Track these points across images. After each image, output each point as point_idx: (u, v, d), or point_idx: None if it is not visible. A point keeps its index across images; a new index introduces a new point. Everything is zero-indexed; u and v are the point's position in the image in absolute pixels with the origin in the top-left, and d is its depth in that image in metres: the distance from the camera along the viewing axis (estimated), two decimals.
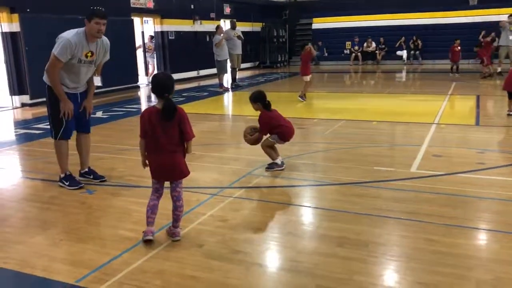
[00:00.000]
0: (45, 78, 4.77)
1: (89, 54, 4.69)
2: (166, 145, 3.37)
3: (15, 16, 10.65)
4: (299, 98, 10.48)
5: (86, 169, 5.16)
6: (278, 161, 5.24)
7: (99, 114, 9.70)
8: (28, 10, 10.79)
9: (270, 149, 5.28)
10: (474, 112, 8.61)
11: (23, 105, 11.02)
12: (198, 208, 4.16)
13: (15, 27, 10.70)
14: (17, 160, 6.37)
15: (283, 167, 5.22)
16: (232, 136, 7.56)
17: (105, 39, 4.84)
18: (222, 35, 13.23)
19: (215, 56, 13.40)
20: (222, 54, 13.27)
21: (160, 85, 3.37)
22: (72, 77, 4.73)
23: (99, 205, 4.36)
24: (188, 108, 9.97)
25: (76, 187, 4.82)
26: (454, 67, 15.61)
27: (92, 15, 4.56)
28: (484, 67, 14.54)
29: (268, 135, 5.26)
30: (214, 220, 3.90)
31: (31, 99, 10.98)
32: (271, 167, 5.24)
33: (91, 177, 5.10)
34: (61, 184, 4.91)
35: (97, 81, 5.07)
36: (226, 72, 13.72)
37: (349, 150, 6.14)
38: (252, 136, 5.30)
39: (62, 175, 4.94)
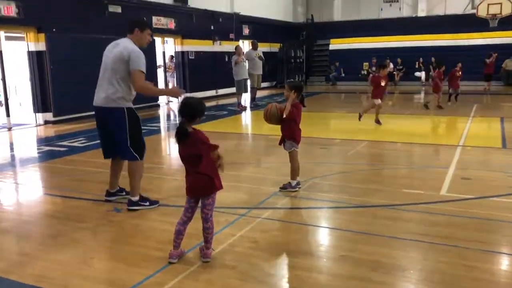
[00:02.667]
0: (120, 103, 4.53)
1: None
2: (187, 167, 3.41)
3: (42, 35, 10.87)
4: (376, 123, 9.72)
5: (117, 188, 5.09)
6: (294, 182, 5.17)
7: None
8: (54, 30, 11.02)
9: (297, 162, 5.18)
10: (499, 135, 8.47)
11: (46, 122, 11.16)
12: (228, 229, 4.11)
13: (41, 46, 10.92)
14: (43, 177, 6.41)
15: (297, 189, 5.14)
16: (253, 155, 7.53)
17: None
18: (240, 54, 13.32)
19: (234, 75, 13.49)
20: (240, 73, 13.34)
21: (181, 109, 3.38)
22: (133, 91, 4.61)
23: (128, 224, 4.34)
24: (208, 127, 10.12)
25: (157, 205, 4.77)
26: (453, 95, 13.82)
27: (146, 27, 4.64)
28: None
29: (288, 143, 5.14)
30: (244, 241, 3.84)
31: (54, 116, 11.13)
32: (284, 187, 5.18)
33: (124, 193, 5.06)
34: (137, 208, 4.70)
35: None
36: (244, 91, 13.77)
37: (375, 171, 6.07)
38: (281, 108, 5.00)
39: (136, 198, 4.73)
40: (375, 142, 7.97)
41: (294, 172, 5.19)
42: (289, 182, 5.19)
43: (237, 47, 13.57)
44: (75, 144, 8.48)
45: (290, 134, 5.13)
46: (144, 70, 4.46)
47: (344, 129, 9.67)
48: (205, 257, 3.47)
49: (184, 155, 3.41)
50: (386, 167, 6.27)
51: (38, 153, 7.96)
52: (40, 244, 3.90)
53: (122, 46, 4.49)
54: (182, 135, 3.32)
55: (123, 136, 4.57)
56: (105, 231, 4.17)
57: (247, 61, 13.60)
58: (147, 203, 4.76)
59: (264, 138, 8.98)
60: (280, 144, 5.25)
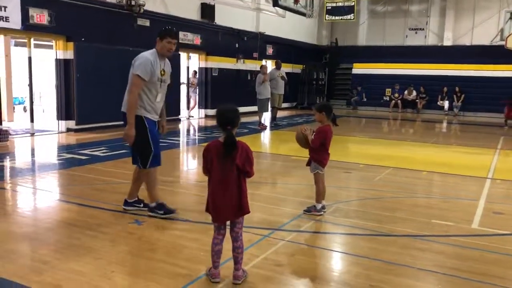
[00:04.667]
0: (123, 107, 4.66)
1: (163, 73, 4.71)
2: (223, 181, 3.24)
3: (70, 44, 11.02)
4: None
5: (136, 198, 5.06)
6: (319, 205, 5.03)
7: None
8: (82, 39, 11.17)
9: (322, 185, 5.06)
10: None
11: (69, 130, 11.23)
12: (251, 249, 3.98)
13: (69, 54, 11.06)
14: (64, 185, 6.38)
15: (322, 213, 5.00)
16: (274, 175, 7.40)
17: (167, 61, 4.85)
18: (265, 74, 13.33)
19: (257, 94, 13.47)
20: (263, 93, 13.33)
21: (224, 117, 3.27)
22: (152, 100, 4.66)
23: (148, 237, 4.25)
24: None
25: (172, 213, 4.77)
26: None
27: (165, 34, 4.62)
28: None
29: (313, 165, 5.04)
30: (269, 264, 3.72)
31: (76, 124, 11.20)
32: (308, 210, 5.05)
33: (141, 205, 5.03)
34: (152, 214, 4.78)
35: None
36: (266, 111, 13.73)
37: (402, 199, 5.90)
38: (306, 135, 4.89)
39: (153, 205, 4.80)
40: (400, 170, 7.79)
41: (319, 195, 5.06)
42: (314, 205, 5.06)
43: (263, 66, 13.59)
44: (97, 153, 8.48)
45: (317, 157, 5.02)
46: (143, 76, 4.49)
47: (367, 154, 9.50)
48: (235, 279, 3.33)
49: (224, 170, 3.24)
50: (413, 196, 6.10)
51: (60, 160, 7.96)
52: (60, 252, 3.83)
53: (138, 55, 4.62)
54: (233, 146, 3.18)
55: (135, 141, 4.62)
56: (125, 243, 4.09)
57: (269, 80, 13.57)
58: (162, 212, 4.76)
59: (285, 158, 8.88)
60: (307, 165, 5.14)
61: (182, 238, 4.28)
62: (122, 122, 4.73)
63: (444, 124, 17.48)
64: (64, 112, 11.26)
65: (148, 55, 4.61)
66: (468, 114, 19.92)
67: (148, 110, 4.66)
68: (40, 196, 5.76)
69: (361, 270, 3.67)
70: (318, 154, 5.00)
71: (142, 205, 5.02)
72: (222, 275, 3.36)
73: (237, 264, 3.35)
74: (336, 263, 3.82)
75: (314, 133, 4.98)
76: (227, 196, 3.24)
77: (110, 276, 3.40)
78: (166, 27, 4.77)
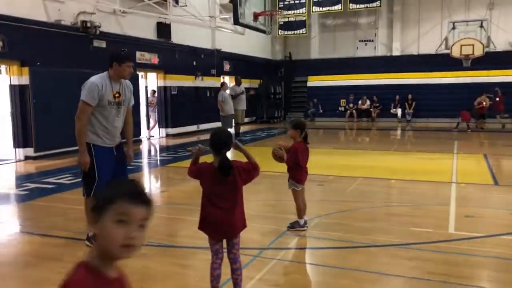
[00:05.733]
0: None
1: (117, 95, 4.62)
2: (222, 204, 3.23)
3: (25, 69, 10.63)
4: None
5: None
6: (301, 221, 5.08)
7: None
8: (38, 63, 10.81)
9: (301, 201, 5.11)
10: (487, 171, 8.66)
11: (27, 157, 10.78)
12: (244, 271, 3.88)
13: (24, 80, 10.66)
14: (35, 217, 6.08)
15: (305, 228, 5.05)
16: (250, 192, 7.39)
17: (127, 81, 4.81)
18: (228, 90, 13.38)
19: (220, 111, 13.48)
20: (226, 109, 13.34)
21: (221, 141, 3.26)
22: (105, 124, 4.58)
23: (134, 267, 4.10)
24: None
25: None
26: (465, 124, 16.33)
27: (124, 59, 4.60)
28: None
29: (290, 182, 5.09)
30: (266, 285, 3.72)
31: (35, 152, 10.76)
32: (292, 226, 5.08)
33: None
34: (88, 243, 4.71)
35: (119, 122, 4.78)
36: (230, 127, 13.74)
37: (378, 209, 6.05)
38: (279, 153, 4.84)
39: (91, 234, 4.68)
40: (369, 179, 7.99)
41: (300, 211, 5.11)
42: (297, 221, 5.10)
43: (223, 84, 13.65)
44: (62, 181, 8.19)
45: (293, 174, 5.08)
46: (89, 101, 4.45)
47: (334, 165, 9.69)
48: None
49: (222, 191, 3.23)
50: (388, 205, 6.28)
51: (24, 190, 7.61)
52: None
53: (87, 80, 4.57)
54: (229, 168, 3.19)
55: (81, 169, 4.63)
56: None
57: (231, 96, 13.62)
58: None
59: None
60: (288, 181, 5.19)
61: (169, 264, 4.21)
62: None
63: (399, 131, 18.13)
64: (21, 139, 10.80)
65: (95, 79, 4.55)
66: (420, 121, 20.74)
67: (100, 135, 4.60)
68: (10, 231, 5.48)
69: (358, 284, 3.74)
70: (294, 171, 5.06)
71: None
72: None
73: (236, 287, 3.32)
74: (332, 279, 3.86)
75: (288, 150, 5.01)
76: (226, 214, 3.23)
77: None
78: (122, 51, 4.77)
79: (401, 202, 6.44)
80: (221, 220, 3.23)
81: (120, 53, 4.69)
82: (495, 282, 3.67)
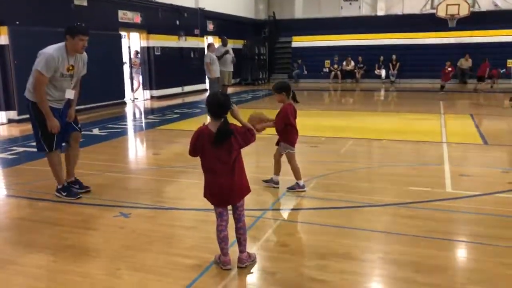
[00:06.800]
0: (27, 94, 4.78)
1: (70, 68, 4.80)
2: (222, 169, 3.17)
3: (4, 28, 10.18)
4: None
5: (73, 179, 5.19)
6: (301, 182, 5.08)
7: (96, 131, 9.33)
8: (17, 22, 10.34)
9: (297, 164, 5.11)
10: (475, 131, 8.76)
11: (10, 121, 10.47)
12: (250, 232, 3.91)
13: (4, 40, 10.22)
14: (28, 182, 5.93)
15: (305, 189, 5.07)
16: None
17: (82, 54, 4.94)
18: (213, 52, 13.08)
19: (206, 73, 13.21)
20: (213, 71, 13.06)
21: (220, 105, 3.14)
22: (54, 92, 4.78)
23: (141, 229, 4.09)
24: (185, 125, 9.87)
25: (74, 198, 4.91)
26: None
27: (77, 32, 4.67)
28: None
29: (283, 145, 5.07)
30: (274, 245, 3.73)
31: (19, 115, 10.44)
32: (292, 187, 5.10)
33: (77, 187, 5.15)
34: (58, 194, 4.99)
35: (69, 94, 5.03)
36: (218, 89, 13.52)
37: (374, 169, 6.10)
38: (259, 126, 4.32)
39: (60, 186, 5.02)
40: (360, 140, 8.02)
41: (297, 173, 5.11)
42: (297, 183, 5.10)
43: (210, 45, 13.31)
44: None
45: (285, 137, 5.04)
46: (45, 72, 4.56)
47: (324, 126, 9.67)
48: (240, 263, 3.31)
49: (217, 155, 3.15)
50: (383, 165, 6.32)
51: (12, 154, 7.41)
52: (53, 255, 3.59)
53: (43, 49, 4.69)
54: (230, 134, 3.12)
55: (35, 129, 4.87)
56: (119, 238, 3.91)
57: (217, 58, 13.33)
58: (65, 194, 4.96)
59: None
60: (276, 144, 5.17)
61: (177, 227, 4.17)
62: (77, 108, 5.11)
63: (384, 92, 18.17)
64: (3, 102, 10.46)
65: (53, 51, 4.63)
66: (404, 81, 20.81)
67: (50, 100, 4.76)
68: (6, 196, 5.35)
69: (363, 243, 3.77)
70: (287, 134, 5.02)
71: (77, 187, 5.15)
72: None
73: (241, 246, 3.33)
74: (338, 238, 3.86)
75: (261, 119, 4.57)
76: (228, 180, 3.18)
77: (118, 274, 3.25)
78: (76, 24, 4.81)
79: (396, 162, 6.49)
80: (221, 186, 3.18)
81: (74, 26, 4.75)
82: (499, 239, 3.74)
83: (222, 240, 3.27)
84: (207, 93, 15.23)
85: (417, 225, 4.07)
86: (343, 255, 3.51)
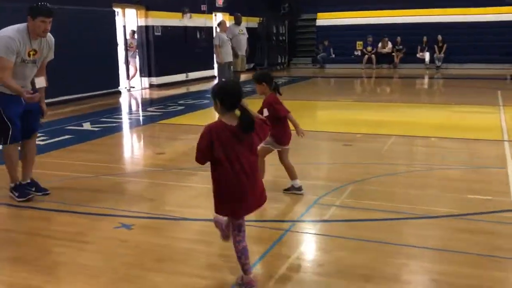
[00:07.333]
0: None
1: (32, 53, 4.92)
2: (247, 168, 3.16)
3: None
4: None
5: (29, 180, 5.31)
6: (296, 183, 5.16)
7: (87, 126, 9.40)
8: None
9: (290, 162, 5.17)
10: None
11: None
12: (276, 248, 3.96)
13: None
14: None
15: (302, 192, 5.14)
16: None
17: (49, 35, 5.05)
18: (225, 31, 13.11)
19: (215, 58, 13.27)
20: (224, 56, 13.07)
21: (234, 94, 3.20)
22: (14, 78, 4.87)
23: (146, 244, 4.11)
24: (190, 119, 9.91)
25: (23, 199, 5.09)
26: None
27: (38, 13, 4.75)
28: None
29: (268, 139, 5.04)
30: (306, 264, 3.73)
31: None
32: (288, 189, 5.21)
33: (33, 189, 5.27)
34: (11, 194, 5.19)
35: (41, 82, 5.19)
36: (228, 76, 13.54)
37: (423, 173, 6.06)
38: None
39: (12, 185, 5.21)
40: (404, 137, 7.99)
41: (291, 172, 5.19)
42: (292, 185, 5.18)
43: (221, 23, 13.36)
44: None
45: (274, 132, 4.78)
46: (7, 57, 4.68)
47: (359, 121, 9.63)
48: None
49: (245, 155, 3.15)
50: (434, 168, 6.27)
51: None
52: (46, 273, 3.63)
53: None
54: (253, 125, 3.15)
55: None
56: (121, 254, 3.93)
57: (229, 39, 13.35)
58: (17, 194, 5.14)
59: None
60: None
61: (189, 241, 4.20)
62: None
63: (428, 80, 18.04)
64: None
65: (11, 33, 4.74)
66: (452, 66, 20.60)
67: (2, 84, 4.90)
68: None
69: (413, 262, 3.75)
70: (275, 128, 4.74)
71: (34, 189, 5.28)
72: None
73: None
74: (382, 256, 3.83)
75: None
76: (251, 184, 3.19)
77: None
78: (39, 3, 4.86)
79: (448, 164, 6.43)
80: (244, 192, 3.17)
81: (35, 5, 4.82)
82: None
83: (242, 254, 3.25)
84: (215, 81, 15.24)
85: (478, 241, 4.03)
86: (390, 277, 3.49)
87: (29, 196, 5.14)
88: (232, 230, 3.31)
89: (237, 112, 3.11)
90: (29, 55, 4.88)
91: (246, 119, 3.12)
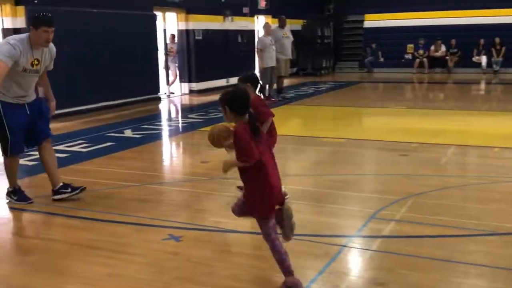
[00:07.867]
0: None
1: (35, 63, 5.16)
2: (270, 160, 3.55)
3: (20, 9, 10.64)
4: None
5: (61, 184, 5.54)
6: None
7: (128, 133, 9.56)
8: (35, 1, 10.78)
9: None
10: None
11: None
12: (333, 265, 3.91)
13: (20, 22, 10.67)
14: (45, 193, 6.10)
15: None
16: (310, 164, 7.32)
17: (51, 45, 5.30)
18: (269, 34, 13.16)
19: (258, 62, 13.32)
20: (266, 60, 13.09)
21: (242, 98, 3.48)
22: (17, 89, 5.16)
23: (198, 257, 4.12)
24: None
25: (24, 203, 5.41)
26: None
27: (40, 23, 5.00)
28: None
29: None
30: (366, 283, 3.66)
31: None
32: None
33: (69, 190, 5.52)
34: (8, 198, 5.51)
35: (40, 93, 5.40)
36: (271, 82, 13.55)
37: (488, 186, 5.91)
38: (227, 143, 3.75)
39: (11, 189, 5.52)
40: (465, 147, 7.84)
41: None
42: None
43: (266, 25, 13.42)
44: (76, 148, 8.27)
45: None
46: (4, 60, 4.84)
47: (414, 129, 9.48)
48: None
49: (267, 153, 3.55)
50: (501, 180, 6.10)
51: (31, 160, 7.67)
52: (94, 285, 3.67)
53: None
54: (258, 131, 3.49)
55: None
56: (172, 268, 3.95)
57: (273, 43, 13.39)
58: (15, 198, 5.48)
59: (310, 140, 8.64)
60: None
61: (240, 255, 4.19)
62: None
63: (485, 85, 17.64)
64: None
65: (14, 41, 4.98)
66: (511, 71, 20.11)
67: (11, 93, 5.15)
68: (27, 212, 5.54)
69: (486, 284, 3.63)
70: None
71: (69, 190, 5.53)
72: None
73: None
74: (450, 275, 3.75)
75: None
76: (278, 180, 3.55)
77: None
78: (41, 14, 5.15)
79: None
80: (277, 187, 3.50)
81: (37, 16, 5.12)
82: None
83: (286, 255, 3.42)
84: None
85: None
86: None
87: (30, 201, 5.45)
88: (275, 232, 3.48)
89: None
90: (32, 65, 5.10)
91: (254, 124, 3.45)
